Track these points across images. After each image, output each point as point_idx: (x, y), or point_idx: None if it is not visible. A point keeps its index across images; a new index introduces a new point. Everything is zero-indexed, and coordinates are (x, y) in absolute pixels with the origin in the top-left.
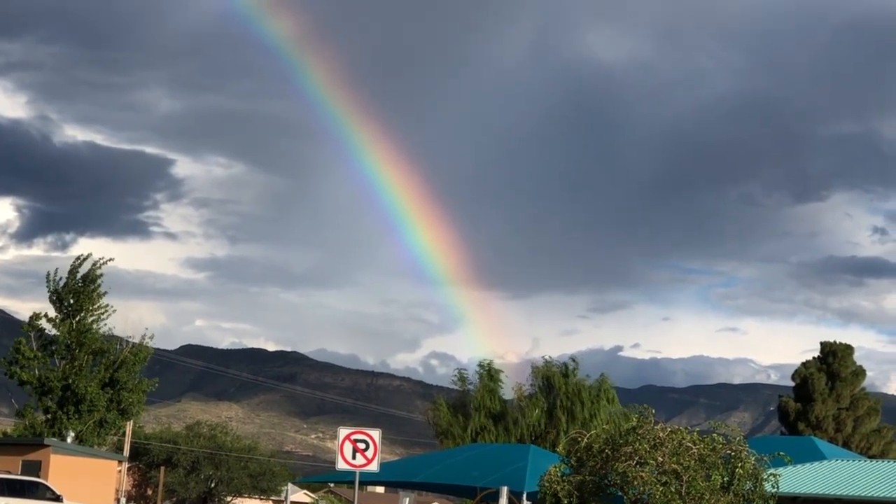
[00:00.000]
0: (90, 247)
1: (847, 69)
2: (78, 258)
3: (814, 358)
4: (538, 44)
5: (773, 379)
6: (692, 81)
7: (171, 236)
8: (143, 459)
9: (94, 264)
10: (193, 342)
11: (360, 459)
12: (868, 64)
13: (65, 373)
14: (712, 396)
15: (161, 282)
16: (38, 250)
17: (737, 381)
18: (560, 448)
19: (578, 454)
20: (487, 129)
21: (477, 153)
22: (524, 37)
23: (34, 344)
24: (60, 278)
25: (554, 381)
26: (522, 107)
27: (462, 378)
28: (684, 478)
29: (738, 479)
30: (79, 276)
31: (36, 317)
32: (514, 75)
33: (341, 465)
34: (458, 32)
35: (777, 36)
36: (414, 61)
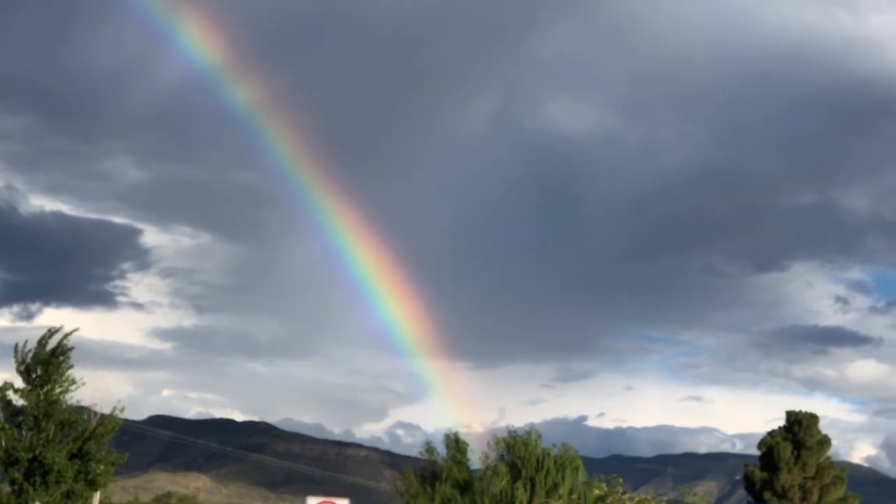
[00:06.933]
0: (56, 316)
1: (807, 139)
2: (49, 331)
3: (779, 427)
4: (502, 116)
5: (739, 448)
6: (654, 152)
7: (137, 306)
8: None
9: (63, 336)
10: (161, 412)
11: None
12: (826, 134)
13: (32, 444)
14: (679, 466)
15: (128, 352)
16: (3, 320)
17: (702, 450)
18: None
19: None
20: (452, 200)
21: (441, 225)
22: (488, 109)
23: (1, 415)
24: (29, 350)
25: (517, 451)
26: (488, 178)
27: (430, 450)
28: None
29: None
30: (48, 348)
31: (5, 387)
32: (479, 147)
33: None
34: (424, 104)
35: (737, 106)
36: (380, 132)
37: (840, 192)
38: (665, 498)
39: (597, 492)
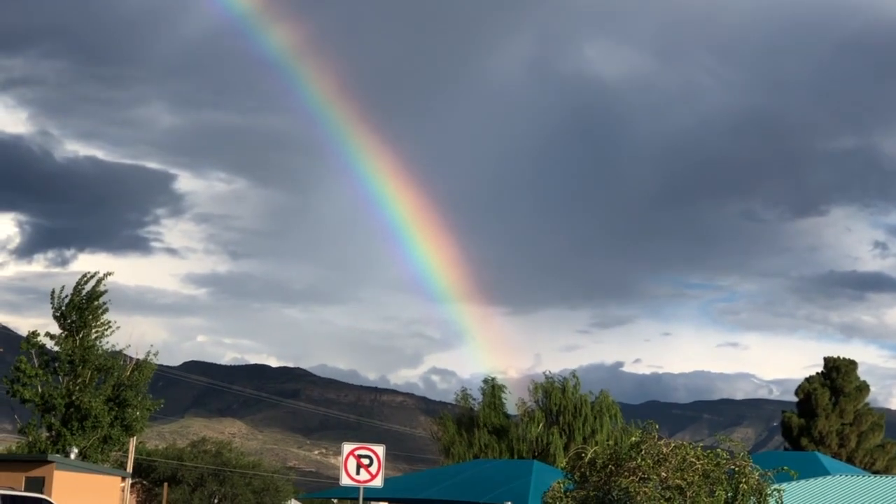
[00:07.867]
0: (91, 262)
1: (846, 84)
2: (84, 275)
3: (817, 373)
4: (538, 60)
5: (776, 394)
6: (692, 97)
7: (171, 252)
8: (151, 476)
9: (97, 281)
10: (196, 358)
11: (363, 475)
12: (867, 79)
13: (69, 389)
14: (715, 412)
15: (162, 297)
16: (38, 266)
17: (739, 396)
18: (563, 464)
19: (582, 470)
20: (487, 144)
21: (477, 169)
22: (525, 53)
23: (35, 361)
24: (66, 296)
25: (554, 397)
26: (524, 123)
27: (465, 396)
28: (688, 493)
29: (743, 495)
30: (83, 292)
31: (34, 334)
32: (515, 92)
33: (345, 481)
34: (458, 48)
35: (776, 51)
36: (415, 76)
37: (880, 136)
38: (701, 444)
39: (633, 438)
